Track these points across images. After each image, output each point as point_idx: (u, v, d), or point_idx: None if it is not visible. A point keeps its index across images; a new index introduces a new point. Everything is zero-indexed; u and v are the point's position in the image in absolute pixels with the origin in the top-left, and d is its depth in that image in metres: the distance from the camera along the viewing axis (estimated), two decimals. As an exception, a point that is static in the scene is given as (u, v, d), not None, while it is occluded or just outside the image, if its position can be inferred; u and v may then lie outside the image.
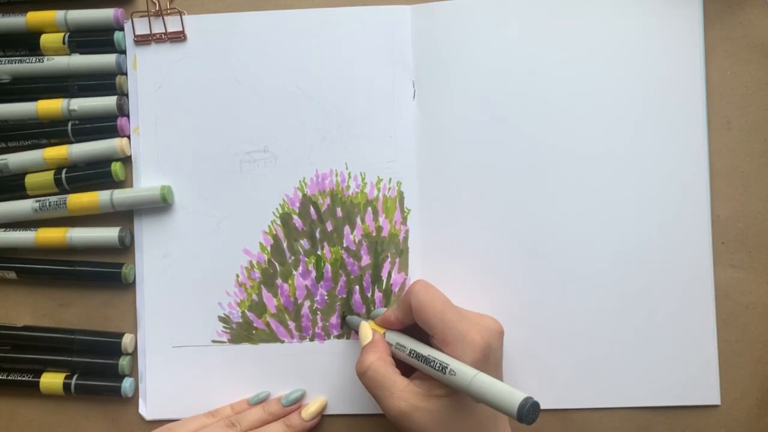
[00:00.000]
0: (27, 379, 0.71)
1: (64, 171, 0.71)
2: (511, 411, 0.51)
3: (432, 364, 0.58)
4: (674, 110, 0.69)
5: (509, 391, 0.52)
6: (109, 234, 0.71)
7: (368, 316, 0.70)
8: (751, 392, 0.69)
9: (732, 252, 0.69)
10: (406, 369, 0.62)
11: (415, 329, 0.63)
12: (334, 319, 0.71)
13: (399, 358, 0.63)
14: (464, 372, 0.55)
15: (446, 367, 0.57)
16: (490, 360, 0.59)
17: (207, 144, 0.72)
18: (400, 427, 0.60)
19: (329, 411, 0.71)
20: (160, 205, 0.71)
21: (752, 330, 0.69)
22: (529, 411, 0.51)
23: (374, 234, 0.71)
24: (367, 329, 0.66)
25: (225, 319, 0.71)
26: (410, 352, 0.61)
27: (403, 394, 0.59)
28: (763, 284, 0.69)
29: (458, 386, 0.56)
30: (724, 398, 0.69)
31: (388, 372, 0.61)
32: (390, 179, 0.71)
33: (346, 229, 0.71)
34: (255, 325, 0.71)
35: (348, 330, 0.71)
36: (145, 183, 0.72)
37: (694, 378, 0.68)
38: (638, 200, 0.69)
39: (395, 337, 0.64)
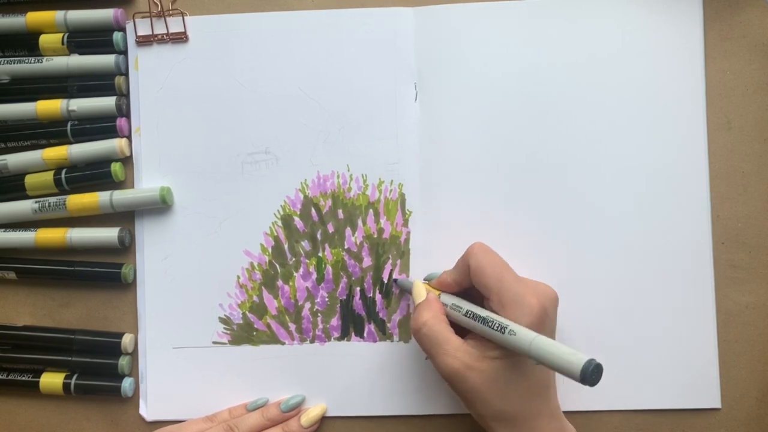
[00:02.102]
0: (27, 379, 0.71)
1: (63, 171, 0.71)
2: (574, 372, 0.51)
3: (490, 324, 0.58)
4: (674, 110, 0.69)
5: (571, 353, 0.52)
6: (108, 234, 0.71)
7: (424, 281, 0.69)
8: (751, 392, 0.69)
9: (732, 252, 0.69)
10: (459, 332, 0.61)
11: (468, 294, 0.63)
12: (335, 321, 0.71)
13: (453, 319, 0.62)
14: (524, 333, 0.55)
15: (505, 328, 0.56)
16: (545, 325, 0.59)
17: (208, 145, 0.71)
18: (451, 385, 0.60)
19: (329, 413, 0.71)
20: (160, 206, 0.71)
21: (752, 330, 0.69)
22: (593, 372, 0.50)
23: (375, 236, 0.71)
24: (421, 288, 0.65)
25: (226, 321, 0.71)
26: (467, 313, 0.61)
27: (458, 353, 0.59)
28: (763, 284, 0.69)
29: (518, 347, 0.55)
30: (724, 398, 0.69)
31: (443, 330, 0.60)
32: (391, 181, 0.70)
33: (348, 230, 0.71)
34: (256, 326, 0.71)
35: (348, 332, 0.71)
36: (147, 184, 0.72)
37: (695, 381, 0.69)
38: (638, 200, 0.69)
39: (450, 299, 0.63)
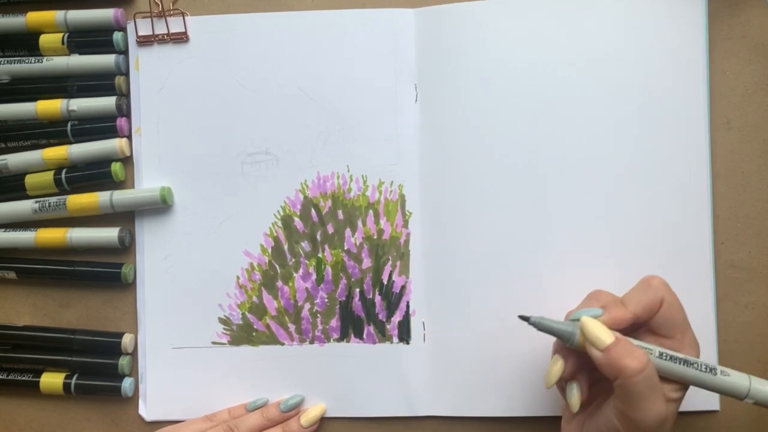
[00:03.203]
0: (27, 379, 0.71)
1: (63, 171, 0.71)
2: None
3: (696, 366, 0.55)
4: (676, 111, 0.69)
5: None
6: (109, 234, 0.71)
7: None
8: (751, 393, 0.69)
9: (732, 252, 0.69)
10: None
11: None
12: (334, 322, 0.71)
13: None
14: (738, 375, 0.53)
15: (715, 369, 0.54)
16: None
17: (209, 145, 0.71)
18: (653, 430, 0.53)
19: (328, 414, 0.71)
20: (161, 206, 0.71)
21: (752, 330, 0.69)
22: None
23: (375, 237, 0.71)
24: (602, 327, 0.55)
25: (225, 321, 0.71)
26: (661, 354, 0.55)
27: (664, 397, 0.54)
28: (763, 284, 0.69)
29: (732, 390, 0.54)
30: (723, 399, 0.69)
31: (656, 373, 0.53)
32: (392, 182, 0.70)
33: (347, 231, 0.71)
34: (255, 327, 0.71)
35: (348, 333, 0.71)
36: (147, 184, 0.72)
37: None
38: (639, 200, 0.69)
39: (635, 341, 0.56)
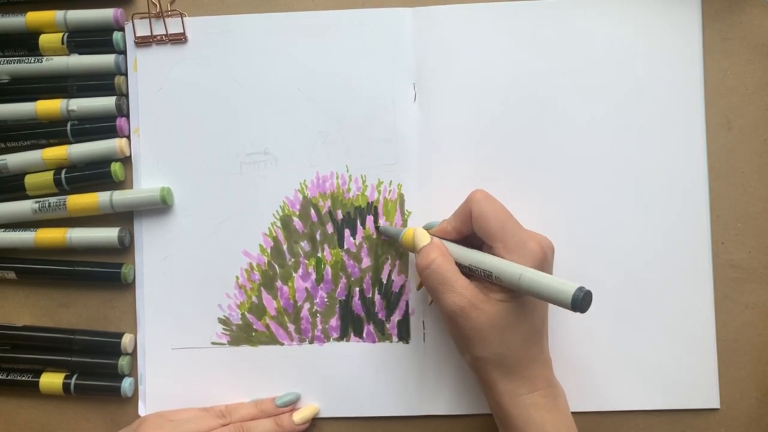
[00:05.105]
0: (27, 379, 0.71)
1: (63, 171, 0.71)
2: (565, 300, 0.53)
3: (477, 273, 0.60)
4: (673, 111, 0.69)
5: (561, 282, 0.54)
6: (108, 234, 0.71)
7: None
8: (751, 392, 0.69)
9: (732, 252, 0.69)
10: None
11: (468, 243, 0.64)
12: (334, 322, 0.71)
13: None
14: (512, 268, 0.57)
15: (490, 274, 0.59)
16: (545, 270, 0.59)
17: (207, 146, 0.71)
18: (455, 323, 0.60)
19: (327, 414, 0.71)
20: (160, 206, 0.71)
21: (752, 330, 0.69)
22: (584, 299, 0.53)
23: (375, 236, 0.71)
24: (424, 233, 0.64)
25: (225, 321, 0.71)
26: (456, 262, 0.62)
27: (465, 291, 0.59)
28: (763, 284, 0.69)
29: (509, 284, 0.57)
30: (723, 398, 0.69)
31: (451, 269, 0.61)
32: (390, 182, 0.70)
33: (347, 231, 0.71)
34: (255, 327, 0.71)
35: (348, 332, 0.71)
36: (146, 184, 0.72)
37: (694, 381, 0.69)
38: (638, 201, 0.69)
39: (450, 246, 0.64)
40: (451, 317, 0.60)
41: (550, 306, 0.64)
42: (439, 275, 0.60)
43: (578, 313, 0.53)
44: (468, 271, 0.61)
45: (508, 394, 0.60)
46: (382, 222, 0.71)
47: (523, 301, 0.60)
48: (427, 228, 0.67)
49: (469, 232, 0.63)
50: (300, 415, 0.69)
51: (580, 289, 0.53)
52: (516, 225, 0.61)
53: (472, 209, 0.61)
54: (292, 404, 0.70)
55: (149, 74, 0.72)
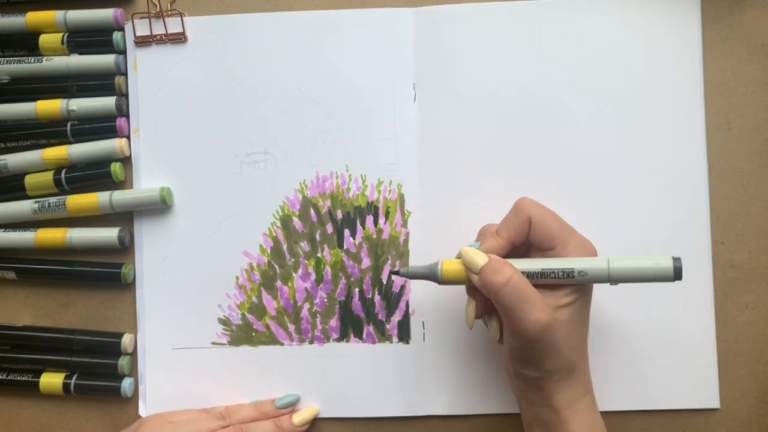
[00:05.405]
0: (27, 379, 0.71)
1: (63, 171, 0.71)
2: (667, 273, 0.55)
3: (554, 275, 0.58)
4: (673, 111, 0.69)
5: (651, 259, 0.56)
6: (108, 234, 0.71)
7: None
8: (751, 392, 0.69)
9: (732, 252, 0.69)
10: None
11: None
12: (334, 322, 0.71)
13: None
14: (598, 262, 0.57)
15: (572, 271, 0.57)
16: None
17: (207, 145, 0.71)
18: (535, 342, 0.56)
19: (327, 414, 0.71)
20: (160, 206, 0.71)
21: (752, 330, 0.69)
22: (680, 267, 0.55)
23: (374, 236, 0.71)
24: (478, 252, 0.59)
25: (225, 321, 0.71)
26: (524, 272, 0.58)
27: (545, 305, 0.56)
28: (763, 284, 0.69)
29: (597, 279, 0.57)
30: (723, 398, 0.69)
31: (528, 285, 0.57)
32: (390, 182, 0.70)
33: (347, 231, 0.71)
34: (255, 327, 0.71)
35: (347, 333, 0.71)
36: (145, 184, 0.72)
37: (694, 381, 0.69)
38: (638, 201, 0.69)
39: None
40: (531, 337, 0.56)
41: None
42: (520, 291, 0.56)
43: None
44: (538, 280, 0.58)
45: (566, 401, 0.59)
46: (404, 269, 0.63)
47: (584, 300, 0.59)
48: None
49: (523, 241, 0.61)
50: (300, 417, 0.69)
51: (676, 259, 0.55)
52: (570, 226, 0.61)
53: (530, 216, 0.59)
54: (291, 406, 0.70)
55: (149, 74, 0.72)
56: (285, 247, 0.71)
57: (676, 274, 0.55)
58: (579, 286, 0.58)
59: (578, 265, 0.57)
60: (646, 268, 0.55)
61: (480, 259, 0.58)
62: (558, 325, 0.57)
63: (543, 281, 0.58)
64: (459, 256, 0.61)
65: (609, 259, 0.56)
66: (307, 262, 0.71)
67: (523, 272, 0.58)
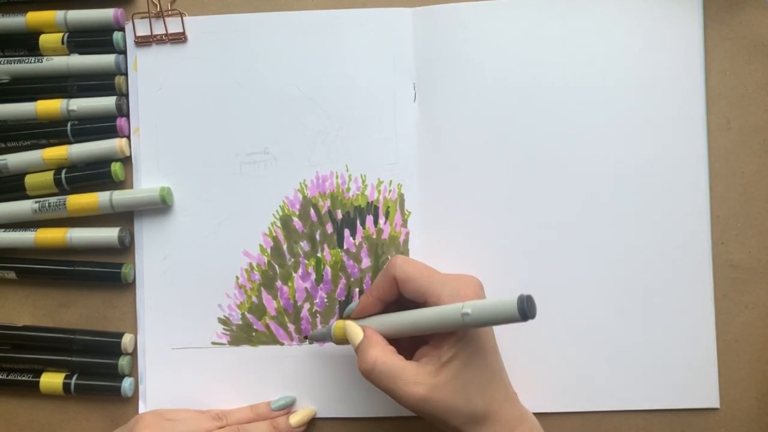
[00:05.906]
0: (27, 379, 0.71)
1: (63, 171, 0.71)
2: (512, 313, 0.51)
3: (411, 329, 0.59)
4: (674, 111, 0.69)
5: (498, 299, 0.53)
6: (108, 234, 0.71)
7: (341, 318, 0.68)
8: (751, 392, 0.69)
9: (732, 252, 0.69)
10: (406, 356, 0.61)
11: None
12: (334, 322, 0.71)
13: (391, 337, 0.62)
14: (451, 311, 0.56)
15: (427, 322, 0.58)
16: None
17: (207, 145, 0.71)
18: (420, 412, 0.58)
19: (327, 414, 0.71)
20: (160, 206, 0.71)
21: (751, 330, 0.69)
22: (528, 305, 0.51)
23: (375, 236, 0.71)
24: (355, 327, 0.62)
25: (225, 321, 0.71)
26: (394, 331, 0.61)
27: (418, 377, 0.57)
28: (763, 284, 0.69)
29: (451, 325, 0.56)
30: (723, 398, 0.69)
31: (396, 361, 0.58)
32: (390, 181, 0.70)
33: (347, 231, 0.71)
34: (255, 327, 0.71)
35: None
36: (146, 184, 0.72)
37: (694, 380, 0.69)
38: (638, 200, 0.69)
39: (374, 321, 0.63)
40: (415, 408, 0.58)
41: (548, 310, 0.64)
42: (387, 373, 0.58)
43: (528, 321, 0.51)
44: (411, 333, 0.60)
45: None
46: (311, 333, 0.70)
47: (472, 348, 0.58)
48: (349, 312, 0.65)
49: (393, 298, 0.62)
50: (296, 418, 0.69)
51: (521, 296, 0.51)
52: (443, 276, 0.61)
53: (395, 274, 0.61)
54: (287, 408, 0.70)
55: (149, 74, 0.72)
56: (285, 247, 0.71)
57: (522, 313, 0.51)
58: (460, 336, 0.58)
59: (434, 320, 0.57)
60: (493, 308, 0.53)
61: (356, 337, 0.62)
62: (440, 389, 0.57)
63: (414, 333, 0.60)
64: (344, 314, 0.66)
65: (462, 306, 0.55)
66: (307, 262, 0.71)
67: (392, 331, 0.61)
